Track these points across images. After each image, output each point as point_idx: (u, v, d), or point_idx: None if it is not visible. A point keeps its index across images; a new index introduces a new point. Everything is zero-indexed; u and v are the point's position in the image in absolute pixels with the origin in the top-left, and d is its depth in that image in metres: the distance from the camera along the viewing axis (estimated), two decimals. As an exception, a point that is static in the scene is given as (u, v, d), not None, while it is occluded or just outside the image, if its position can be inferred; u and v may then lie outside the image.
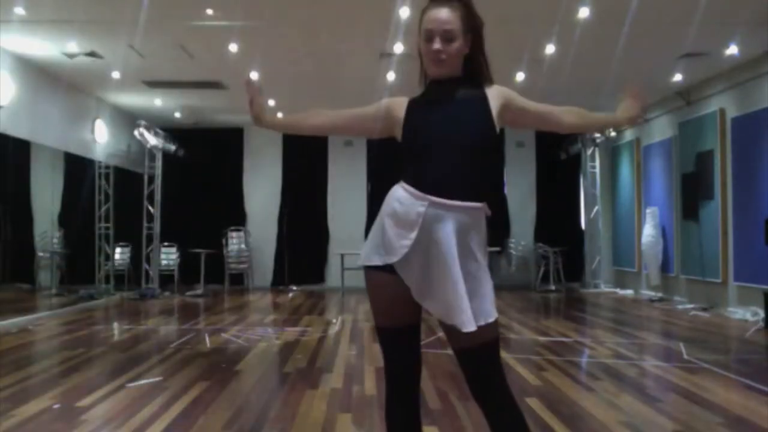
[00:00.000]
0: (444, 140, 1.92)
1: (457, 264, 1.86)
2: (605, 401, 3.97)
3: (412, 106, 2.01)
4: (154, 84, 9.00)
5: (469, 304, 1.85)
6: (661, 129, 10.09)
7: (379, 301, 2.02)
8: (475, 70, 2.03)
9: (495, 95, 2.00)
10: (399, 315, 1.98)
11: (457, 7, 1.95)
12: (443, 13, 1.94)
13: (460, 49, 1.97)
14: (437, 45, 1.93)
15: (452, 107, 1.96)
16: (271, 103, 10.24)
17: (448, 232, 1.88)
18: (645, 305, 9.40)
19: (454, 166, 1.90)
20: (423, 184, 1.90)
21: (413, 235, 1.89)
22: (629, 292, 11.03)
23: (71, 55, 7.44)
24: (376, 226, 2.00)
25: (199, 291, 10.99)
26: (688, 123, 9.15)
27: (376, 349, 5.80)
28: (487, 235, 1.98)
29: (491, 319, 1.91)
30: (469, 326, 1.83)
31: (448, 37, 1.94)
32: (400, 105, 2.03)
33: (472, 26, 1.99)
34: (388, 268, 1.94)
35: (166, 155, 11.55)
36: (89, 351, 5.76)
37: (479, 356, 1.92)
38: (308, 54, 7.60)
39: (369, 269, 2.00)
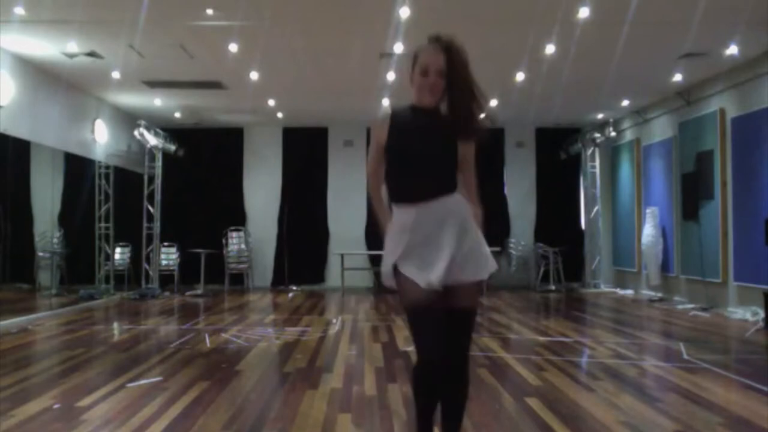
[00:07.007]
0: (422, 159, 2.45)
1: (453, 237, 2.40)
2: (605, 401, 3.97)
3: (395, 128, 2.49)
4: (154, 84, 8.99)
5: (450, 264, 2.38)
6: (661, 129, 10.09)
7: (408, 284, 2.41)
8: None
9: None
10: (428, 295, 2.36)
11: (445, 53, 2.41)
12: (439, 55, 2.41)
13: (444, 85, 2.45)
14: (433, 78, 2.41)
15: (430, 133, 2.47)
16: (271, 103, 10.25)
17: (440, 217, 2.43)
18: (645, 305, 9.40)
19: (431, 176, 2.45)
20: (411, 197, 2.45)
21: (407, 236, 2.45)
22: (629, 292, 11.03)
23: (71, 55, 7.44)
24: (387, 241, 2.54)
25: (199, 291, 11.00)
26: (688, 123, 9.15)
27: (376, 349, 5.80)
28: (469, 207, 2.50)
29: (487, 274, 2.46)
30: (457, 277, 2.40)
31: (440, 73, 2.41)
32: (383, 131, 2.51)
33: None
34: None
35: (166, 155, 11.56)
36: (89, 351, 5.75)
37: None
38: (308, 54, 7.61)
39: (395, 270, 2.49)
